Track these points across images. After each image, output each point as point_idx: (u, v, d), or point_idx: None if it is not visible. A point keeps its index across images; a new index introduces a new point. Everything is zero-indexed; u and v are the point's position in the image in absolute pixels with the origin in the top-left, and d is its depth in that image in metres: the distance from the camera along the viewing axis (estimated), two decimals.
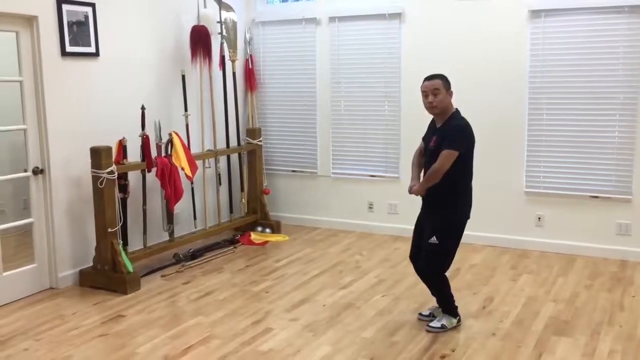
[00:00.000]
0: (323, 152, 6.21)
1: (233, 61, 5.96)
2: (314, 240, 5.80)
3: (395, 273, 4.82)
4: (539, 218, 5.37)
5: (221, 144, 5.89)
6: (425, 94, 3.57)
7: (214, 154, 5.70)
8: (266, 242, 5.77)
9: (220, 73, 5.85)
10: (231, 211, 6.12)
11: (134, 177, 4.98)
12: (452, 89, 3.63)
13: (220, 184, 5.87)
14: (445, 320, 3.70)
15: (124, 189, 4.79)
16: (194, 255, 5.25)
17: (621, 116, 4.96)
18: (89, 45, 4.73)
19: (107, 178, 4.46)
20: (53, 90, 4.46)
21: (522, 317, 3.90)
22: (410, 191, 3.72)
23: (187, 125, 5.43)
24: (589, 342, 3.53)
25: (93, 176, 4.49)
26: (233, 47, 5.94)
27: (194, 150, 5.42)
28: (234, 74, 6.02)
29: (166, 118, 5.31)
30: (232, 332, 3.75)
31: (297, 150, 6.35)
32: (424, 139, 3.83)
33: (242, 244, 5.71)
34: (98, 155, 4.45)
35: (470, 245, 5.48)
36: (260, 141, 6.09)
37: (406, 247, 5.46)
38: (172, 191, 4.95)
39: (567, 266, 4.92)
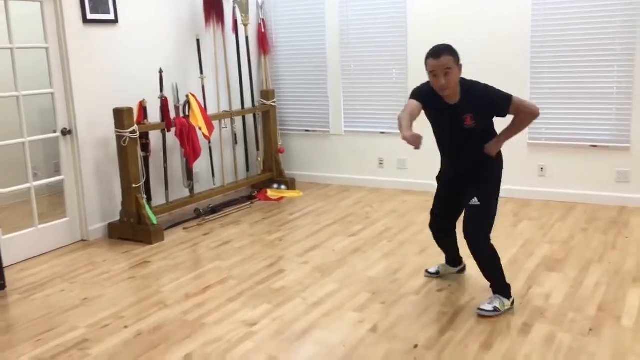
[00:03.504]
0: (335, 111, 6.46)
1: (245, 25, 6.20)
2: (327, 196, 6.10)
3: (402, 222, 5.10)
4: (542, 168, 5.59)
5: (236, 106, 6.18)
6: (434, 74, 3.09)
7: (230, 114, 5.99)
8: (281, 198, 6.08)
9: (234, 37, 6.11)
10: (248, 169, 6.45)
11: (154, 136, 5.31)
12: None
13: (236, 143, 6.18)
14: (497, 302, 3.29)
15: (145, 147, 5.12)
16: (214, 209, 5.60)
17: (619, 67, 5.12)
18: (108, 12, 5.01)
19: (129, 137, 4.78)
20: (77, 56, 4.77)
21: (517, 257, 4.17)
22: (408, 140, 2.99)
23: (203, 88, 5.73)
24: (577, 277, 3.79)
25: (117, 136, 4.82)
26: (245, 11, 6.17)
27: (210, 111, 5.72)
28: (246, 37, 6.26)
29: (183, 81, 5.60)
30: (247, 273, 4.08)
31: (310, 110, 6.61)
32: (426, 107, 3.32)
33: (259, 200, 6.03)
34: (121, 116, 4.77)
35: None
36: (274, 102, 6.35)
37: (414, 200, 5.77)
38: (190, 150, 5.26)
39: (567, 213, 5.15)
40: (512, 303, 3.35)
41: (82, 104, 4.82)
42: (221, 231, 5.09)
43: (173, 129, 5.19)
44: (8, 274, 4.12)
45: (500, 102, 3.19)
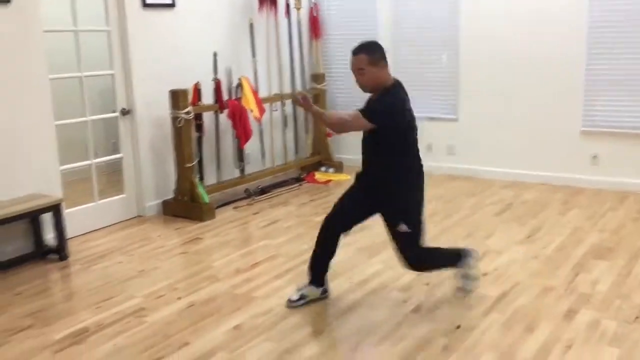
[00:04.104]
0: None
1: (298, 9, 6.28)
2: None
3: (449, 207, 5.12)
4: (594, 156, 5.49)
5: (287, 89, 6.28)
6: (352, 71, 3.13)
7: (280, 97, 6.10)
8: (329, 181, 6.18)
9: (286, 21, 6.20)
10: (297, 152, 6.57)
11: (208, 118, 5.47)
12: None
13: (286, 126, 6.30)
14: (464, 270, 3.32)
15: (199, 128, 5.29)
16: (263, 190, 5.74)
17: None
18: None
19: (184, 118, 4.95)
20: (136, 39, 4.95)
21: (565, 245, 4.15)
22: (299, 97, 3.18)
23: (255, 71, 5.85)
24: (626, 265, 3.75)
25: (172, 116, 4.99)
26: None
27: (262, 94, 5.85)
28: (299, 21, 6.35)
29: (236, 64, 5.73)
30: (294, 252, 4.20)
31: (360, 94, 6.58)
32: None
33: (307, 182, 6.14)
34: (176, 98, 4.94)
35: (525, 184, 5.69)
36: (324, 86, 6.43)
37: (462, 185, 5.77)
38: (242, 131, 5.41)
39: (619, 202, 5.06)
40: (473, 255, 3.33)
41: (140, 85, 5.01)
42: (270, 211, 5.23)
43: (225, 111, 5.34)
44: (70, 246, 4.36)
45: (368, 105, 3.13)
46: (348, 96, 6.70)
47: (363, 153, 3.29)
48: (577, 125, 5.51)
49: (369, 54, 3.08)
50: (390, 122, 3.06)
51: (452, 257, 3.35)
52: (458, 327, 3.06)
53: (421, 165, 3.28)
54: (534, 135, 5.75)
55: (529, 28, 5.55)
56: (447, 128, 6.22)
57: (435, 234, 4.46)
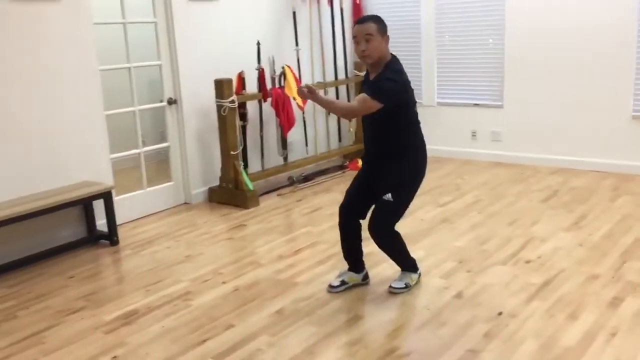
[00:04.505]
0: (427, 82, 6.43)
1: None
2: None
3: (493, 194, 5.07)
4: None
5: (330, 77, 6.31)
6: (356, 41, 3.07)
7: (323, 85, 6.13)
8: None
9: (329, 9, 6.21)
10: (340, 139, 6.59)
11: (252, 106, 5.55)
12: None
13: (329, 113, 6.32)
14: (406, 278, 3.39)
15: (243, 117, 5.38)
16: (306, 177, 5.80)
17: None
18: None
19: (228, 107, 5.04)
20: (182, 30, 5.05)
21: (613, 232, 4.05)
22: (304, 89, 3.01)
23: (298, 59, 5.89)
24: None
25: (217, 105, 5.09)
26: None
27: (305, 82, 5.89)
28: (341, 9, 6.35)
29: (279, 53, 5.78)
30: (336, 239, 4.17)
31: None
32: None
33: (350, 170, 6.16)
34: (221, 87, 5.04)
35: (573, 170, 5.58)
36: None
37: (507, 172, 5.70)
38: (285, 119, 5.47)
39: None
40: (419, 275, 3.46)
41: (186, 75, 5.12)
42: (313, 198, 5.28)
43: (269, 99, 5.40)
44: (120, 231, 4.52)
45: (374, 87, 3.06)
46: None
47: (365, 133, 3.33)
48: (628, 110, 5.35)
49: (377, 23, 3.08)
50: (397, 101, 3.06)
51: (408, 258, 3.43)
52: (500, 314, 3.05)
53: (424, 143, 3.29)
54: (582, 120, 5.61)
55: (577, 9, 5.40)
56: (492, 114, 6.13)
57: (479, 221, 4.44)
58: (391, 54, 3.16)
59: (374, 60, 3.09)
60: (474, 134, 6.30)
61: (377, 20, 3.11)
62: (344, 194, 3.43)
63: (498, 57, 5.95)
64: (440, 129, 6.44)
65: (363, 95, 3.05)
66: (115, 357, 2.86)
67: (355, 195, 3.36)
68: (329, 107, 3.23)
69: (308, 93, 3.01)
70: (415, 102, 3.24)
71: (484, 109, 6.15)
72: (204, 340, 2.95)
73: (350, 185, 3.43)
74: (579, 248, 3.82)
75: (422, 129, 3.30)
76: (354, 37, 3.09)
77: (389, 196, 3.16)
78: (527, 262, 3.66)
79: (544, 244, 3.93)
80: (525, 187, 5.23)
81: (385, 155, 3.23)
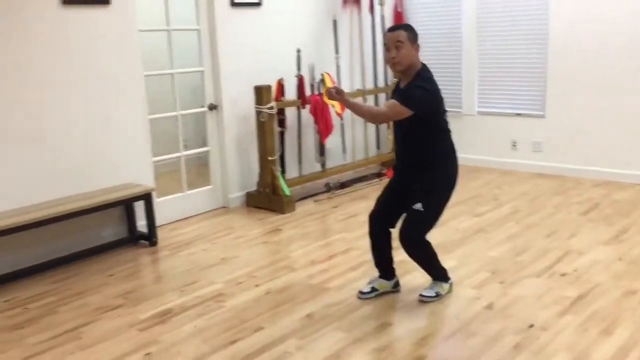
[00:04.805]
0: (468, 91, 6.38)
1: (382, 5, 6.31)
2: None
3: (532, 205, 4.99)
4: None
5: (369, 84, 6.33)
6: (386, 47, 3.11)
7: (363, 93, 6.15)
8: None
9: (369, 17, 6.24)
10: (378, 147, 6.60)
11: (291, 113, 5.62)
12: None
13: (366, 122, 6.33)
14: (437, 287, 3.39)
15: (282, 123, 5.45)
16: (343, 184, 5.83)
17: None
18: None
19: (267, 113, 5.12)
20: (224, 37, 5.17)
21: None
22: (332, 91, 3.09)
23: (337, 67, 5.94)
24: None
25: (256, 111, 5.18)
26: None
27: (344, 89, 5.90)
28: (382, 17, 6.37)
29: (319, 60, 5.84)
30: (369, 246, 4.25)
31: (443, 90, 6.51)
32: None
33: (388, 177, 6.16)
34: (260, 93, 5.12)
35: (616, 183, 5.44)
36: None
37: (548, 183, 5.60)
38: (323, 126, 5.52)
39: None
40: (451, 285, 3.44)
41: (227, 82, 5.22)
42: (349, 205, 5.31)
43: (308, 106, 5.46)
44: (160, 233, 4.64)
45: (405, 94, 3.08)
46: None
47: (396, 141, 3.35)
48: None
49: (408, 31, 3.10)
50: (427, 108, 3.08)
51: (439, 267, 3.41)
52: (531, 326, 3.00)
53: (455, 152, 3.28)
54: (627, 132, 5.47)
55: (623, 18, 5.28)
56: (534, 124, 6.03)
57: (516, 232, 4.38)
58: (422, 62, 3.17)
59: (404, 68, 3.11)
60: (514, 144, 6.21)
61: (408, 28, 3.13)
62: (374, 202, 3.44)
63: (541, 65, 5.86)
64: (480, 139, 6.38)
65: (393, 100, 3.10)
66: (147, 354, 2.94)
67: (385, 204, 3.37)
68: (356, 110, 3.25)
69: (336, 94, 3.06)
70: (446, 110, 3.25)
71: (526, 118, 6.07)
72: (234, 341, 3.01)
73: (381, 193, 3.44)
74: (618, 262, 3.73)
75: (453, 138, 3.29)
76: (385, 44, 3.13)
77: (419, 205, 3.16)
78: (563, 274, 3.59)
79: (582, 257, 3.85)
80: (565, 199, 5.13)
81: (416, 163, 3.23)
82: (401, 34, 3.08)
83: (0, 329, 3.28)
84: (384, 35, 3.18)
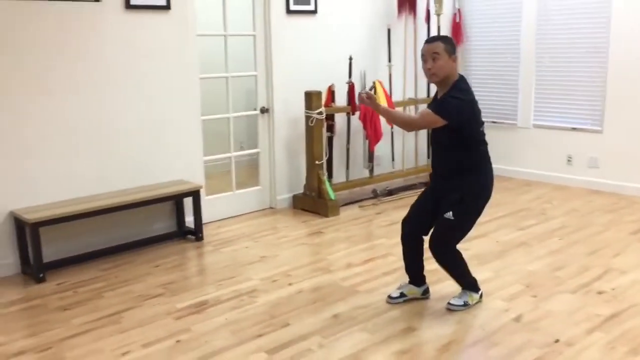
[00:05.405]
0: (524, 104, 6.28)
1: (438, 15, 6.31)
2: (506, 189, 5.99)
3: (581, 222, 4.87)
4: None
5: (422, 94, 6.34)
6: (424, 59, 3.15)
7: (414, 102, 6.18)
8: None
9: (424, 26, 6.26)
10: (428, 156, 6.58)
11: (340, 119, 5.72)
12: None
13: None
14: (466, 297, 3.38)
15: (331, 128, 5.56)
16: (390, 192, 5.86)
17: None
18: (308, 3, 5.50)
19: (316, 118, 5.24)
20: (278, 43, 5.33)
21: None
22: (363, 95, 3.18)
23: (390, 75, 6.00)
24: None
25: (305, 116, 5.31)
26: (439, 1, 6.28)
27: (396, 98, 5.97)
28: (438, 27, 6.37)
29: (372, 68, 5.92)
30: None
31: (498, 101, 6.51)
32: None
33: None
34: (310, 99, 5.25)
35: None
36: None
37: (601, 200, 5.46)
38: (372, 133, 5.58)
39: None
40: (481, 296, 3.43)
41: (279, 86, 5.38)
42: (393, 212, 5.34)
43: (357, 113, 5.55)
44: (206, 229, 4.83)
45: (440, 104, 3.13)
46: (488, 102, 6.59)
47: (433, 150, 3.39)
48: None
49: (445, 43, 3.14)
50: (461, 118, 3.10)
51: (468, 277, 3.41)
52: (556, 341, 2.97)
53: (490, 164, 3.29)
54: None
55: None
56: (590, 139, 5.88)
57: (558, 247, 4.30)
58: (459, 74, 3.21)
59: (440, 79, 3.15)
60: (569, 159, 6.07)
61: (446, 40, 3.17)
62: (408, 209, 3.49)
63: (600, 80, 5.71)
64: (534, 152, 6.27)
65: (427, 109, 3.15)
66: (178, 341, 3.10)
67: (418, 211, 3.41)
68: (388, 116, 3.31)
69: (367, 99, 3.14)
70: (483, 122, 3.25)
71: (582, 133, 5.91)
72: (260, 335, 3.13)
73: (416, 200, 3.48)
74: None
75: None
76: (422, 55, 3.18)
77: (449, 214, 3.19)
78: (599, 292, 3.51)
79: (623, 276, 3.75)
80: (617, 217, 4.98)
81: (449, 173, 3.25)
82: (439, 45, 3.11)
83: (50, 309, 3.53)
84: (422, 48, 3.22)
